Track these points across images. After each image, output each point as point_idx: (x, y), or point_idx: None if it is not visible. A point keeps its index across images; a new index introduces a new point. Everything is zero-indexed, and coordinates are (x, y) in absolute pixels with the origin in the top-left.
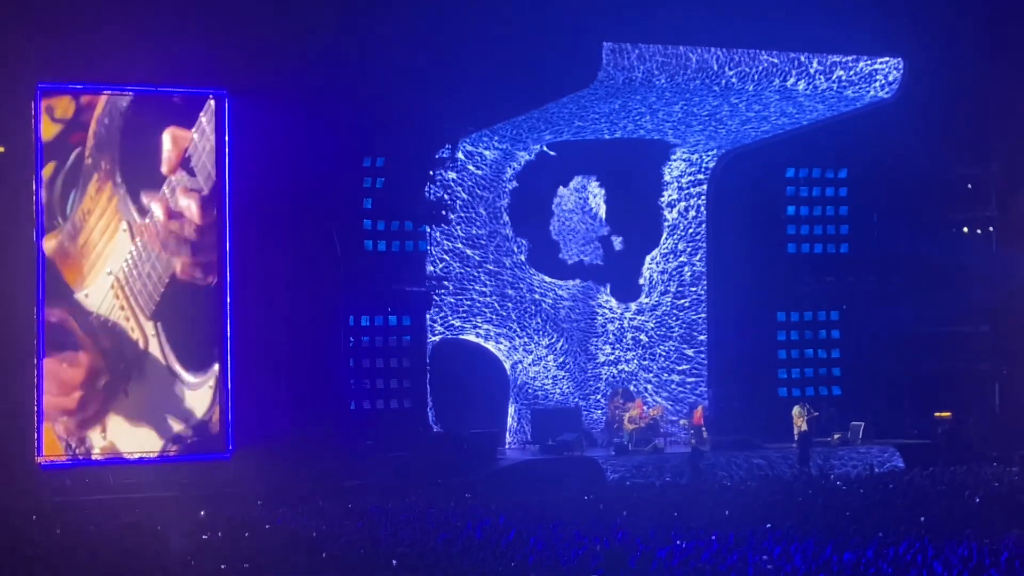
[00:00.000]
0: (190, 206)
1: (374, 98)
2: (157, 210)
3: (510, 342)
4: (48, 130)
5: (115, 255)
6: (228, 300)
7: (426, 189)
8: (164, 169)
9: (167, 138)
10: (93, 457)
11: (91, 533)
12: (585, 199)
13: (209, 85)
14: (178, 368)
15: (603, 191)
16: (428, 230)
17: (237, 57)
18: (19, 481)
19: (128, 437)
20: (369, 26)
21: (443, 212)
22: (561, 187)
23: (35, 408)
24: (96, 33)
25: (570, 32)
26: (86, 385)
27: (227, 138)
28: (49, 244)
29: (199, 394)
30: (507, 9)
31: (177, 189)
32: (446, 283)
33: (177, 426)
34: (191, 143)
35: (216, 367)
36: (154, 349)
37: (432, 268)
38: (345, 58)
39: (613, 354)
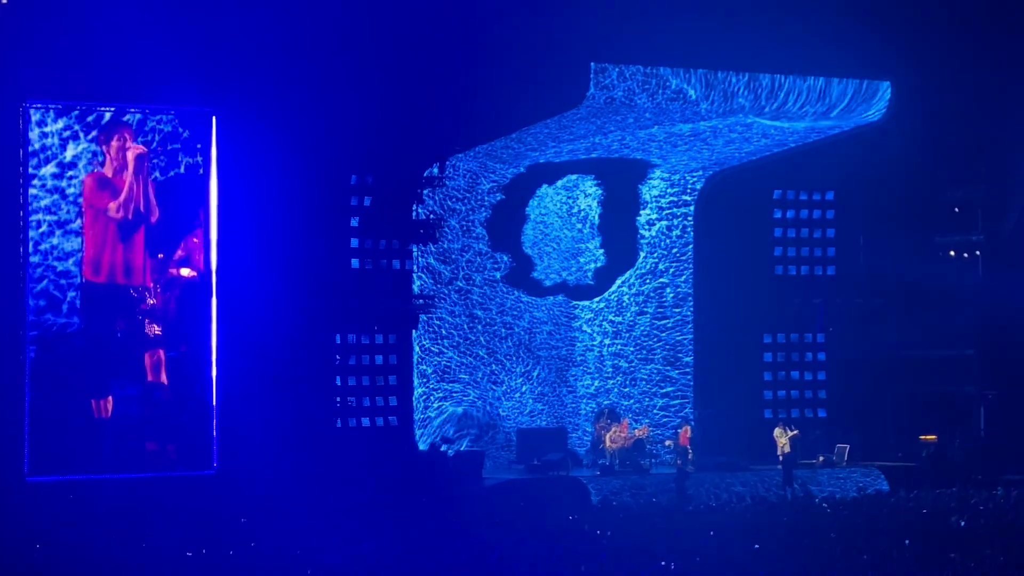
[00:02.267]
0: None
1: (362, 117)
2: None
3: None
4: None
5: None
6: (215, 317)
7: (413, 208)
8: None
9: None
10: None
11: (77, 549)
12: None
13: (197, 104)
14: None
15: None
16: (415, 249)
17: (224, 76)
18: (6, 498)
19: None
20: (358, 45)
21: (431, 231)
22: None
23: (23, 424)
24: (84, 53)
25: (558, 53)
26: None
27: (214, 155)
28: None
29: None
30: (494, 29)
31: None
32: (427, 300)
33: None
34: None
35: None
36: None
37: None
38: (333, 77)
39: (592, 385)
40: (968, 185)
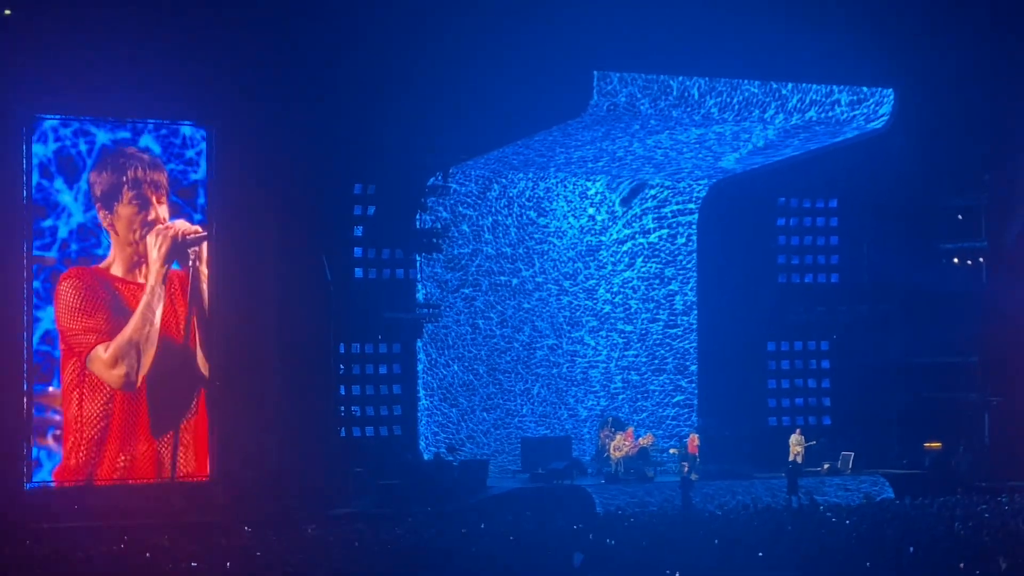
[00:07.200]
0: None
1: (365, 126)
2: None
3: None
4: None
5: None
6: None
7: (417, 217)
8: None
9: None
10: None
11: (78, 560)
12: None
13: (197, 118)
14: None
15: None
16: (418, 258)
17: (227, 86)
18: (5, 505)
19: None
20: (361, 55)
21: (435, 240)
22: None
23: (27, 431)
24: (89, 70)
25: (562, 61)
26: None
27: (212, 164)
28: None
29: None
30: (498, 37)
31: None
32: (433, 309)
33: None
34: None
35: None
36: None
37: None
38: (337, 86)
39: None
40: (972, 193)
